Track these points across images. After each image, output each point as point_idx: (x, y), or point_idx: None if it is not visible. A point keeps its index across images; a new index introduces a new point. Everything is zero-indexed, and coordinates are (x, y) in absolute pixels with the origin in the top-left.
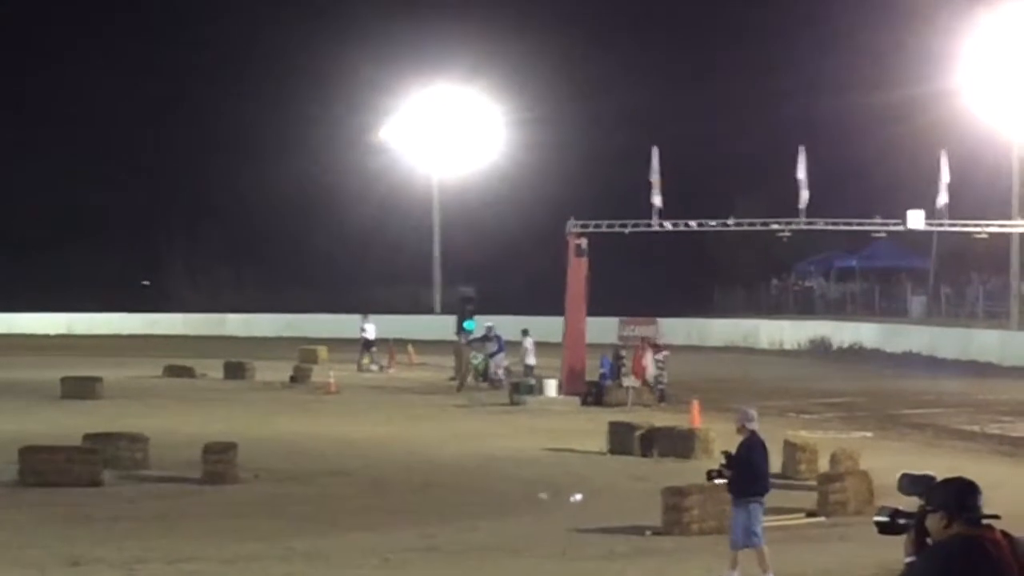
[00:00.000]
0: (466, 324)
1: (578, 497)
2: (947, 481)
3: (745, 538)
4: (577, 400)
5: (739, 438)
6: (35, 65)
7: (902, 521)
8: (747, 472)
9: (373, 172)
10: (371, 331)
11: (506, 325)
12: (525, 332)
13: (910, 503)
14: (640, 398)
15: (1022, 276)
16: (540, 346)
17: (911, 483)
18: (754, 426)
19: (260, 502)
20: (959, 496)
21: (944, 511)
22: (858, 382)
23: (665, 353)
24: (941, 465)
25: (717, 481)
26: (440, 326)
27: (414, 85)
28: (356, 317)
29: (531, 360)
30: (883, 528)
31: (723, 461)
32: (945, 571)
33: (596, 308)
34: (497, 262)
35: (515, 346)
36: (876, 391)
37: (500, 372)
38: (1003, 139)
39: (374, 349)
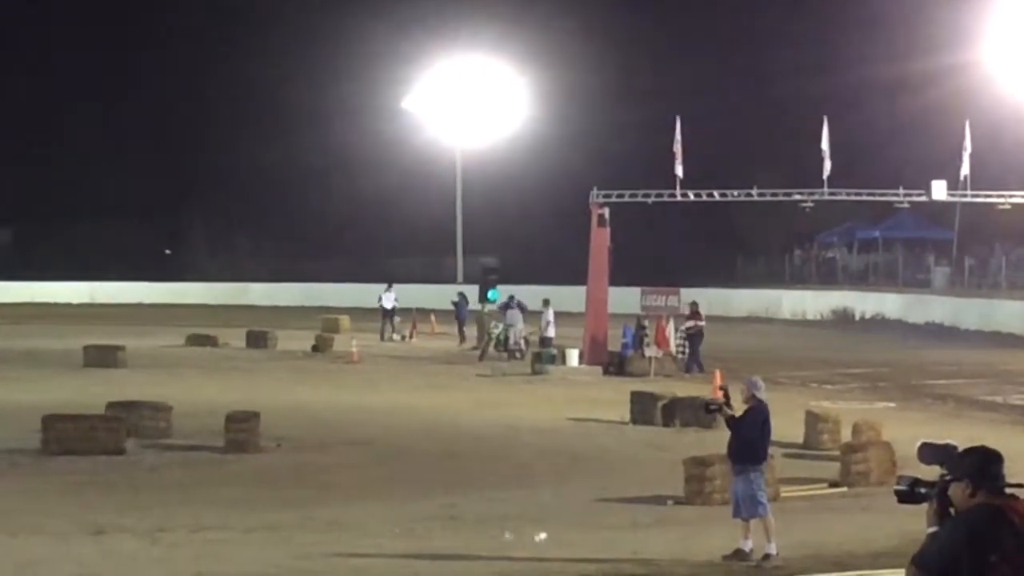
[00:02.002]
0: (490, 293)
1: (543, 537)
2: (970, 450)
3: (751, 508)
4: (599, 370)
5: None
6: (58, 38)
7: (922, 490)
8: (736, 439)
9: (396, 142)
10: (388, 300)
11: (528, 295)
12: (546, 302)
13: (930, 472)
14: (662, 368)
15: None
16: (562, 316)
17: (932, 452)
18: (761, 395)
19: (282, 471)
20: (983, 465)
21: (968, 480)
22: (880, 353)
23: (700, 324)
24: (963, 435)
25: (713, 410)
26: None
27: (438, 55)
28: (380, 287)
29: (551, 332)
30: (903, 497)
31: (722, 399)
32: (969, 541)
33: (618, 278)
34: (520, 232)
35: (535, 316)
36: (898, 362)
37: (521, 342)
38: None
39: (397, 319)
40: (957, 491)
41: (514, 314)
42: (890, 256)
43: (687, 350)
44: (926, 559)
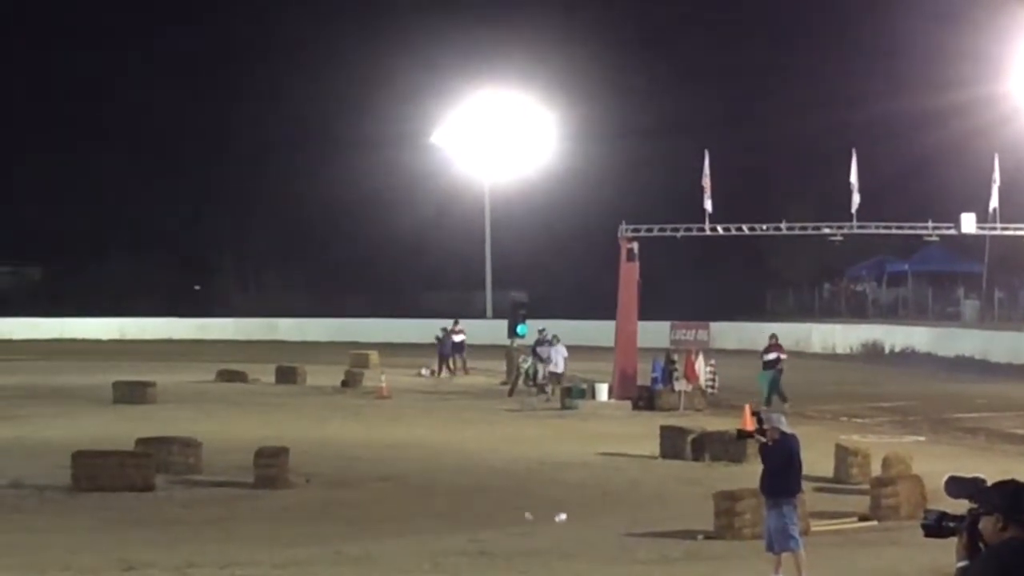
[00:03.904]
0: (519, 328)
1: (562, 517)
2: (1001, 483)
3: (782, 542)
4: (629, 404)
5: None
6: (84, 73)
7: (950, 524)
8: (767, 471)
9: (425, 176)
10: (458, 336)
11: (556, 330)
12: (556, 339)
13: (958, 506)
14: (692, 402)
15: None
16: (592, 350)
17: (959, 486)
18: (785, 428)
19: (311, 506)
20: (1014, 498)
21: (999, 514)
22: (910, 386)
23: (783, 357)
24: (994, 469)
25: (745, 436)
26: (491, 331)
27: (466, 89)
28: (407, 322)
29: (559, 367)
30: (929, 532)
31: (756, 426)
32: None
33: (648, 312)
34: (548, 267)
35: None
36: (928, 395)
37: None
38: None
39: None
40: (988, 525)
41: (544, 350)
42: (920, 289)
43: (715, 384)
44: None
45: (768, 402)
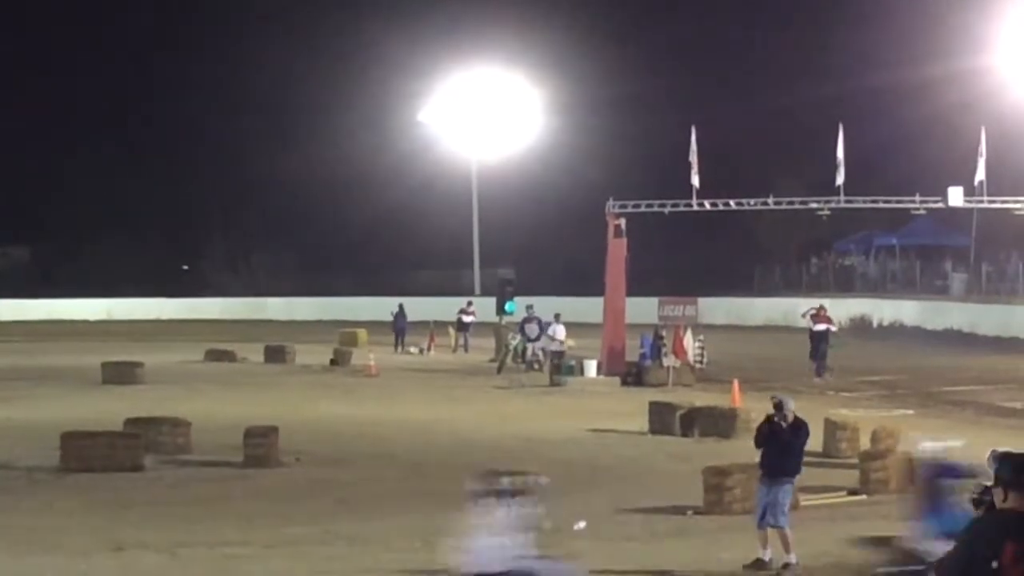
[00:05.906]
0: (507, 306)
1: (582, 525)
2: (1005, 456)
3: (773, 517)
4: (617, 380)
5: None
6: (73, 56)
7: (989, 498)
8: (788, 454)
9: (412, 154)
10: (468, 316)
11: (545, 307)
12: (557, 316)
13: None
14: (681, 378)
15: None
16: (580, 327)
17: (995, 460)
18: (793, 410)
19: (302, 485)
20: (1013, 471)
21: (1001, 485)
22: (899, 360)
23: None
24: (983, 442)
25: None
26: (480, 308)
27: (453, 67)
28: (395, 299)
29: (558, 346)
30: (976, 504)
31: (776, 411)
32: (974, 546)
33: (636, 288)
34: (536, 243)
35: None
36: (917, 369)
37: (539, 354)
38: None
39: (455, 331)
40: (996, 497)
41: (532, 327)
42: (907, 263)
43: (703, 359)
44: (943, 563)
45: (819, 372)
